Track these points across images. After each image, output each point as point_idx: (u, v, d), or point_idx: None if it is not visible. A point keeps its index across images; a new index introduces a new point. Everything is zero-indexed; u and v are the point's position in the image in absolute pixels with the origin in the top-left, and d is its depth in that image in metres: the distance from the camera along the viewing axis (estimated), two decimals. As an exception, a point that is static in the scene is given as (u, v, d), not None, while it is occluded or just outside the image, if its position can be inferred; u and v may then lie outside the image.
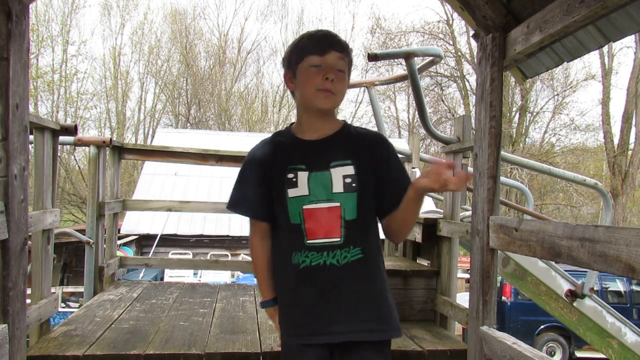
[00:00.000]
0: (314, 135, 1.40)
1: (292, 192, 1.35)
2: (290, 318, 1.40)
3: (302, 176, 1.35)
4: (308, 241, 1.34)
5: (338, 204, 1.33)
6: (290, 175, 1.36)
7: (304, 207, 1.34)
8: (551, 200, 21.00)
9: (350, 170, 1.35)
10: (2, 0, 1.53)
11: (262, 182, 1.41)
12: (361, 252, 1.35)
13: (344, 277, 1.34)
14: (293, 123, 1.48)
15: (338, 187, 1.34)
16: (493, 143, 1.94)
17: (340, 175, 1.35)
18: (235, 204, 1.46)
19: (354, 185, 1.35)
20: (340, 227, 1.34)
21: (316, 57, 1.35)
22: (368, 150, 1.40)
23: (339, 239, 1.33)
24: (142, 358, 2.06)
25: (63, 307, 8.41)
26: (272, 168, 1.40)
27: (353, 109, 25.13)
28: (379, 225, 1.44)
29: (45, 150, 2.27)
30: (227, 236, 11.95)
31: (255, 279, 1.52)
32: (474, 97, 3.53)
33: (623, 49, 18.81)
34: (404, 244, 3.43)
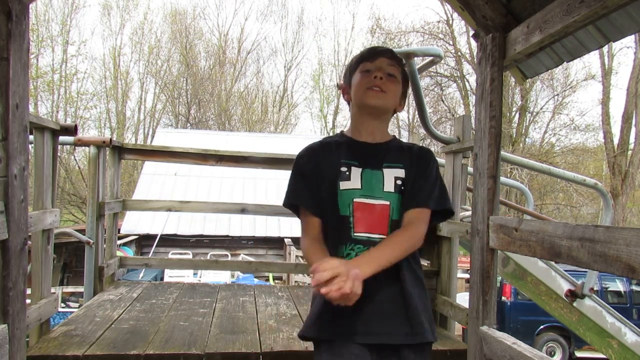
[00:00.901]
0: (369, 138, 1.46)
1: (343, 185, 1.38)
2: (332, 312, 1.33)
3: (356, 171, 1.40)
4: (355, 234, 1.36)
5: (388, 203, 1.38)
6: (344, 169, 1.40)
7: (355, 199, 1.37)
8: (551, 200, 21.00)
9: (401, 173, 1.41)
10: (2, 0, 1.53)
11: (315, 177, 1.43)
12: None
13: (387, 276, 1.32)
14: (343, 131, 1.54)
15: (389, 186, 1.39)
16: (493, 143, 1.94)
17: (392, 175, 1.40)
18: (292, 199, 1.44)
19: (402, 187, 1.39)
20: (388, 225, 1.37)
21: (367, 62, 1.45)
22: (420, 160, 1.45)
23: (385, 236, 1.36)
24: (142, 358, 2.06)
25: (63, 307, 8.41)
26: (325, 163, 1.43)
27: (353, 109, 25.09)
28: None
29: (45, 150, 2.27)
30: (227, 236, 11.95)
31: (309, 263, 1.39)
32: (474, 97, 3.53)
33: (623, 49, 18.83)
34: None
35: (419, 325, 1.37)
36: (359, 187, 1.38)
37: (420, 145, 1.55)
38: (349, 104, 1.53)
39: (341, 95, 1.57)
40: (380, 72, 1.42)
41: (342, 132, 1.53)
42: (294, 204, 1.45)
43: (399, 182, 1.39)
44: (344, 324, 1.34)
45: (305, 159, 1.47)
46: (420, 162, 1.45)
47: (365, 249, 1.34)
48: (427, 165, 1.46)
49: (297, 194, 1.44)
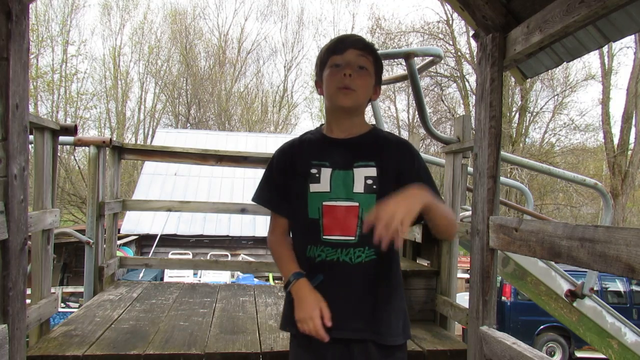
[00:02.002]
0: (342, 134, 1.43)
1: (313, 187, 1.37)
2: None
3: (325, 173, 1.38)
4: (324, 237, 1.36)
5: (357, 204, 1.35)
6: (314, 171, 1.38)
7: (324, 203, 1.36)
8: (551, 200, 21.00)
9: (372, 172, 1.37)
10: (2, 0, 1.53)
11: (284, 178, 1.44)
12: (375, 254, 1.36)
13: (355, 276, 1.35)
14: (322, 124, 1.51)
15: (359, 187, 1.36)
16: (493, 143, 1.94)
17: (362, 175, 1.37)
18: (260, 198, 1.49)
19: (374, 187, 1.36)
20: (357, 226, 1.35)
21: (336, 56, 1.38)
22: (393, 154, 1.41)
23: (353, 238, 1.35)
24: (142, 358, 2.06)
25: (63, 307, 8.41)
26: (297, 163, 1.42)
27: (353, 109, 25.07)
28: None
29: (45, 150, 2.27)
30: (227, 236, 11.94)
31: (277, 266, 1.47)
32: (474, 97, 3.53)
33: (623, 49, 18.81)
34: (404, 244, 3.43)
35: (386, 325, 1.37)
36: (328, 190, 1.36)
37: (397, 137, 1.50)
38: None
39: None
40: (350, 68, 1.36)
41: (321, 125, 1.51)
42: (262, 205, 1.49)
43: (369, 181, 1.36)
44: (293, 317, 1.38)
45: (276, 160, 1.48)
46: (401, 158, 1.40)
47: (334, 251, 1.34)
48: (412, 160, 1.42)
49: (265, 195, 1.48)
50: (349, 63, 1.37)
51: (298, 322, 1.33)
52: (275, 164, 1.47)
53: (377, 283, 1.37)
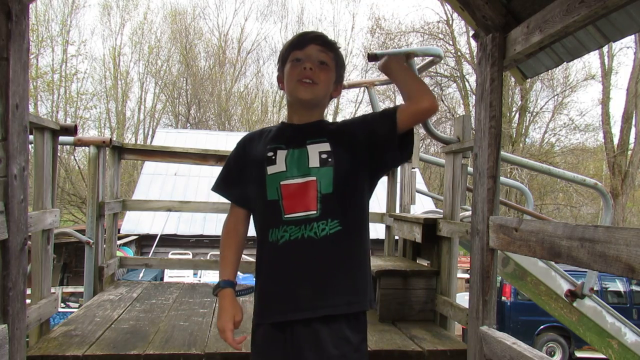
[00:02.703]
0: (298, 121, 1.47)
1: (270, 169, 1.39)
2: (271, 297, 1.39)
3: (281, 154, 1.40)
4: (285, 216, 1.36)
5: (314, 178, 1.36)
6: (270, 154, 1.41)
7: (281, 182, 1.37)
8: (551, 200, 21.01)
9: (326, 147, 1.39)
10: (2, 0, 1.53)
11: (242, 168, 1.48)
12: (339, 225, 1.35)
13: (323, 250, 1.34)
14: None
15: (314, 162, 1.37)
16: (493, 143, 1.94)
17: (316, 151, 1.38)
18: (217, 187, 1.53)
19: (329, 160, 1.37)
20: (317, 200, 1.35)
21: (298, 51, 1.42)
22: (342, 129, 1.45)
23: (315, 212, 1.34)
24: (142, 358, 2.06)
25: (63, 307, 8.41)
26: (255, 150, 1.46)
27: (353, 109, 25.15)
28: (364, 200, 1.44)
29: (45, 150, 2.27)
30: (227, 236, 11.92)
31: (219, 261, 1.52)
32: (474, 97, 3.54)
33: (623, 49, 18.83)
34: (403, 244, 3.43)
35: (360, 293, 1.37)
36: (284, 169, 1.38)
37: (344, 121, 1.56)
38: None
39: (278, 85, 1.54)
40: (310, 62, 1.39)
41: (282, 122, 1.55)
42: (219, 194, 1.52)
43: (324, 155, 1.37)
44: (261, 306, 1.40)
45: (235, 151, 1.53)
46: (349, 128, 1.45)
47: (297, 229, 1.34)
48: (354, 119, 1.50)
49: (223, 185, 1.52)
50: (310, 57, 1.40)
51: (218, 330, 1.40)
52: (234, 155, 1.52)
53: (347, 253, 1.37)
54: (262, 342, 1.40)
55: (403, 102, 1.42)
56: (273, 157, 1.39)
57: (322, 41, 1.43)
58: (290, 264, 1.36)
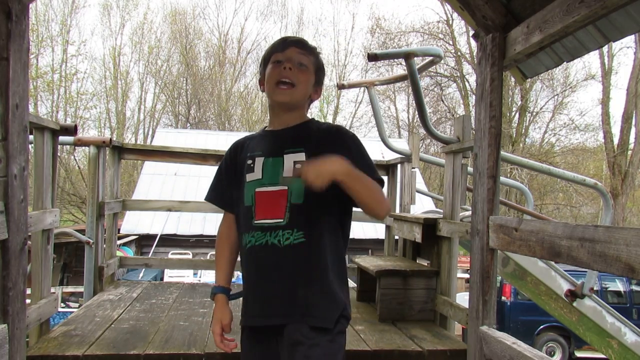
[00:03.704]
0: (278, 127, 1.49)
1: (249, 177, 1.44)
2: (245, 299, 1.47)
3: (259, 162, 1.44)
4: (255, 221, 1.39)
5: (285, 188, 1.39)
6: (249, 162, 1.46)
7: (257, 189, 1.41)
8: (551, 200, 21.01)
9: (301, 157, 1.40)
10: (2, 0, 1.53)
11: (230, 175, 1.52)
12: (303, 237, 1.36)
13: (284, 259, 1.36)
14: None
15: (288, 172, 1.39)
16: (493, 143, 1.94)
17: (291, 161, 1.40)
18: (208, 195, 1.58)
19: None
20: (285, 209, 1.37)
21: (278, 54, 1.45)
22: (323, 140, 1.43)
23: (282, 220, 1.37)
24: (142, 358, 2.06)
25: (63, 307, 8.41)
26: (239, 158, 1.51)
27: (353, 109, 25.15)
28: (335, 217, 1.43)
29: (45, 150, 2.27)
30: (227, 236, 11.93)
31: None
32: (474, 97, 3.54)
33: (623, 49, 18.82)
34: (403, 244, 3.43)
35: (314, 307, 1.36)
36: (260, 177, 1.42)
37: (330, 124, 1.53)
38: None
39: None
40: (290, 63, 1.42)
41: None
42: (211, 202, 1.57)
43: (298, 166, 1.38)
44: (247, 310, 1.45)
45: (224, 159, 1.58)
46: (335, 143, 1.41)
47: (263, 235, 1.37)
48: (347, 145, 1.42)
49: (214, 193, 1.56)
50: (290, 59, 1.43)
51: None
52: (223, 163, 1.57)
53: (307, 266, 1.37)
54: (244, 345, 1.47)
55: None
56: (252, 165, 1.44)
57: (302, 45, 1.46)
58: (253, 269, 1.41)
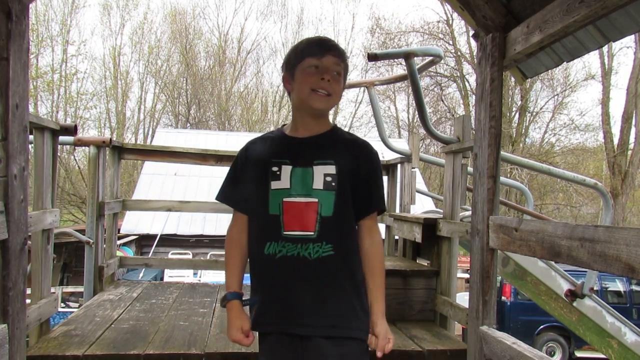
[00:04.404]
0: (304, 133, 1.46)
1: (274, 185, 1.41)
2: (265, 306, 1.44)
3: (286, 170, 1.41)
4: (285, 232, 1.39)
5: (316, 200, 1.38)
6: (275, 169, 1.42)
7: (284, 199, 1.39)
8: (551, 200, 21.01)
9: (331, 169, 1.41)
10: (2, 0, 1.53)
11: (246, 176, 1.49)
12: (332, 250, 1.38)
13: (313, 271, 1.37)
14: (285, 124, 1.55)
15: (318, 183, 1.39)
16: (493, 143, 1.94)
17: (321, 173, 1.40)
18: (221, 195, 1.54)
19: (333, 184, 1.40)
20: (316, 222, 1.38)
21: (314, 59, 1.41)
22: (352, 154, 1.45)
23: (312, 233, 1.38)
24: (142, 358, 2.06)
25: (63, 307, 8.41)
26: (257, 162, 1.47)
27: (353, 109, 25.13)
28: (356, 230, 1.47)
29: (45, 150, 2.27)
30: (227, 236, 11.93)
31: (225, 270, 1.54)
32: (474, 97, 3.54)
33: (623, 49, 18.82)
34: (403, 244, 3.43)
35: (340, 318, 1.39)
36: (288, 186, 1.40)
37: (356, 138, 1.54)
38: (289, 94, 1.51)
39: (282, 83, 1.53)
40: (329, 74, 1.40)
41: (283, 125, 1.54)
42: (223, 203, 1.54)
43: (328, 178, 1.39)
44: (273, 316, 1.42)
45: (240, 159, 1.53)
46: (360, 160, 1.45)
47: (294, 246, 1.37)
48: (370, 163, 1.47)
49: (227, 193, 1.52)
50: (327, 69, 1.41)
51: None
52: (239, 163, 1.52)
53: (335, 278, 1.39)
54: (271, 350, 1.43)
55: (364, 236, 1.46)
56: (278, 173, 1.41)
57: (338, 52, 1.44)
58: (284, 279, 1.39)
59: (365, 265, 1.44)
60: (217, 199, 1.55)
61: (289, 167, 1.41)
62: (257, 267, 1.45)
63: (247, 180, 1.48)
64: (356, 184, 1.42)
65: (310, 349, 1.36)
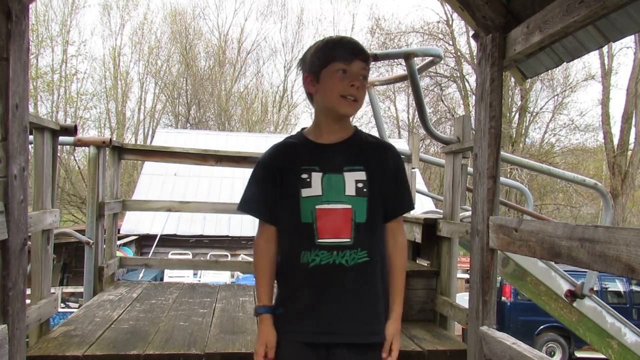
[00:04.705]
0: (329, 139, 1.44)
1: (305, 192, 1.39)
2: (295, 316, 1.42)
3: (316, 177, 1.39)
4: (319, 240, 1.37)
5: (350, 206, 1.38)
6: (304, 176, 1.39)
7: (317, 206, 1.37)
8: (551, 200, 21.01)
9: (362, 175, 1.40)
10: (2, 0, 1.53)
11: (272, 185, 1.44)
12: (367, 255, 1.38)
13: (350, 278, 1.37)
14: (304, 128, 1.52)
15: (350, 190, 1.39)
16: (493, 143, 1.94)
17: (353, 179, 1.39)
18: (246, 206, 1.49)
19: (365, 190, 1.39)
20: (351, 228, 1.37)
21: (342, 64, 1.38)
22: (379, 158, 1.45)
23: (349, 240, 1.37)
24: (142, 358, 2.06)
25: (63, 307, 8.41)
26: (284, 169, 1.43)
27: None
28: (384, 235, 1.48)
29: (45, 151, 2.27)
30: (227, 236, 11.94)
31: (255, 281, 1.51)
32: (474, 97, 3.54)
33: (623, 49, 18.83)
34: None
35: (375, 323, 1.41)
36: (320, 193, 1.38)
37: (380, 141, 1.53)
38: (310, 96, 1.47)
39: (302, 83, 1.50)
40: (357, 80, 1.38)
41: (302, 130, 1.51)
42: (248, 214, 1.49)
43: (360, 184, 1.39)
44: (303, 325, 1.40)
45: (263, 167, 1.48)
46: (386, 163, 1.45)
47: (329, 254, 1.36)
48: (397, 166, 1.48)
49: (252, 204, 1.47)
50: (356, 75, 1.39)
51: None
52: (261, 171, 1.47)
53: (371, 285, 1.40)
54: (288, 355, 1.42)
55: (389, 237, 1.47)
56: (308, 180, 1.39)
57: (364, 56, 1.42)
58: (318, 288, 1.38)
59: (388, 266, 1.45)
60: (239, 209, 1.50)
61: (319, 174, 1.39)
62: (288, 276, 1.44)
63: (273, 188, 1.43)
64: (386, 187, 1.42)
65: (345, 353, 1.36)
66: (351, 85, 1.37)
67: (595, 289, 3.96)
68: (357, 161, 1.41)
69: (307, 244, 1.37)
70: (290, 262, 1.41)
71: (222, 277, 10.00)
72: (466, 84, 20.88)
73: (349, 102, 1.38)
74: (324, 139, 1.44)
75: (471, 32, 2.13)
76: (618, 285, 8.90)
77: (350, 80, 1.37)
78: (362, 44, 1.47)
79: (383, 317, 1.42)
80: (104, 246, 3.40)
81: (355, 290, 1.38)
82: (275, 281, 1.49)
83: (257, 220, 1.50)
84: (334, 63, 1.38)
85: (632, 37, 15.09)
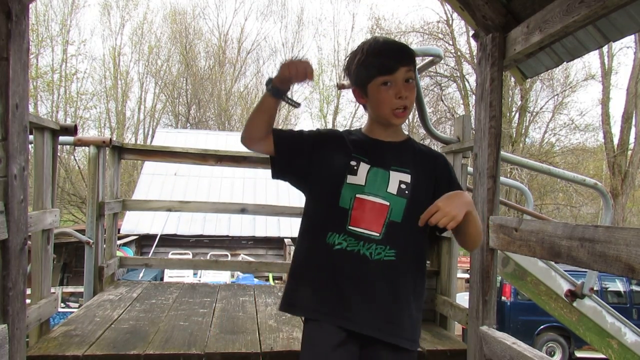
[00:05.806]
0: (383, 138, 1.47)
1: (350, 179, 1.40)
2: (311, 293, 1.40)
3: (363, 167, 1.41)
4: (350, 227, 1.38)
5: (387, 204, 1.39)
6: (353, 163, 1.41)
7: (357, 195, 1.39)
8: (551, 200, 21.00)
9: (407, 178, 1.41)
10: (2, 0, 1.53)
11: (311, 147, 1.44)
12: (395, 256, 1.38)
13: (371, 272, 1.37)
14: (361, 127, 1.54)
15: (393, 188, 1.40)
16: (493, 143, 1.94)
17: (397, 178, 1.41)
18: (279, 135, 1.46)
19: (406, 192, 1.40)
20: (383, 224, 1.38)
21: (385, 76, 1.37)
22: (429, 166, 1.46)
23: (377, 234, 1.37)
24: (142, 358, 2.06)
25: (63, 307, 8.40)
26: (342, 148, 1.44)
27: (353, 109, 25.12)
28: (424, 242, 1.47)
29: (45, 150, 2.27)
30: (227, 236, 11.93)
31: (256, 107, 1.45)
32: (474, 97, 3.54)
33: (623, 49, 18.81)
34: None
35: (400, 328, 1.39)
36: (363, 183, 1.39)
37: (431, 149, 1.54)
38: (364, 106, 1.49)
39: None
40: (405, 90, 1.38)
41: (360, 128, 1.54)
42: (275, 135, 1.44)
43: (403, 186, 1.40)
44: (323, 305, 1.38)
45: (319, 131, 1.50)
46: (438, 171, 1.46)
47: (356, 242, 1.37)
48: (449, 175, 1.48)
49: (282, 131, 1.46)
50: (401, 84, 1.38)
51: (283, 65, 1.34)
52: (315, 131, 1.49)
53: (393, 284, 1.39)
54: (318, 332, 1.39)
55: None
56: (355, 168, 1.41)
57: (407, 60, 1.40)
58: (339, 272, 1.37)
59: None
60: (271, 130, 1.45)
61: (367, 166, 1.41)
62: (310, 255, 1.43)
63: (310, 149, 1.44)
64: (440, 195, 1.37)
65: (369, 349, 1.37)
66: (398, 97, 1.37)
67: (595, 288, 3.96)
68: (406, 164, 1.43)
69: (338, 227, 1.38)
70: (317, 241, 1.41)
71: (222, 277, 10.00)
72: (466, 83, 20.87)
73: (399, 113, 1.40)
74: (377, 136, 1.47)
75: (471, 32, 2.13)
76: (618, 285, 8.90)
77: (396, 92, 1.37)
78: (403, 44, 1.45)
79: (409, 323, 1.39)
80: (104, 246, 3.40)
81: (376, 286, 1.37)
82: (292, 258, 1.49)
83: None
84: (377, 78, 1.38)
85: (632, 36, 15.09)
